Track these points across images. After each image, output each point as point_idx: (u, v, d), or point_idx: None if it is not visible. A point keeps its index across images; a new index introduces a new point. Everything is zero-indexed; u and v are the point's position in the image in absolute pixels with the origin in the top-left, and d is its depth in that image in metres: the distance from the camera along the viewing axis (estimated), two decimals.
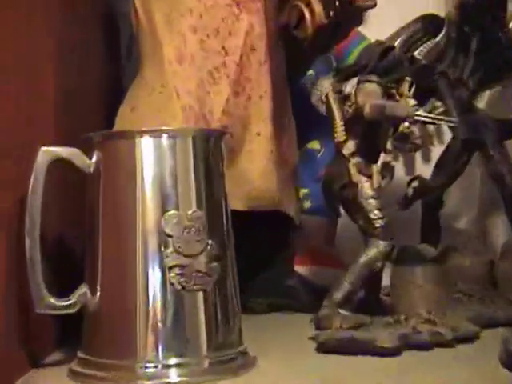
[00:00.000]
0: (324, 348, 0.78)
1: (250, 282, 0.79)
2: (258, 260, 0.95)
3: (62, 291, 0.73)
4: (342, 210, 0.93)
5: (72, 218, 0.86)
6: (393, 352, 0.76)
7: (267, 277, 1.01)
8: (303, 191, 1.11)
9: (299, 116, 1.04)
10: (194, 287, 0.70)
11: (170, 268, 0.69)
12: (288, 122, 1.00)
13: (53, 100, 0.83)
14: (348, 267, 0.88)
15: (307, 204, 1.14)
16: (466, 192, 1.12)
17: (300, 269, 1.05)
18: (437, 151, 1.15)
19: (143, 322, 0.69)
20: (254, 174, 0.92)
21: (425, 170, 1.07)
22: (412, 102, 0.87)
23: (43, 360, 0.77)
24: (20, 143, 0.72)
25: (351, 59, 1.15)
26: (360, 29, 1.11)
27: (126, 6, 1.01)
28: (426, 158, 1.20)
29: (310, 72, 1.13)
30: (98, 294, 0.71)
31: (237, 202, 0.82)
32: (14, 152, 0.71)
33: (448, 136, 1.05)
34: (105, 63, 1.08)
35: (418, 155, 1.25)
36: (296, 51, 1.00)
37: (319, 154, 1.17)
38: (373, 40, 1.07)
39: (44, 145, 0.71)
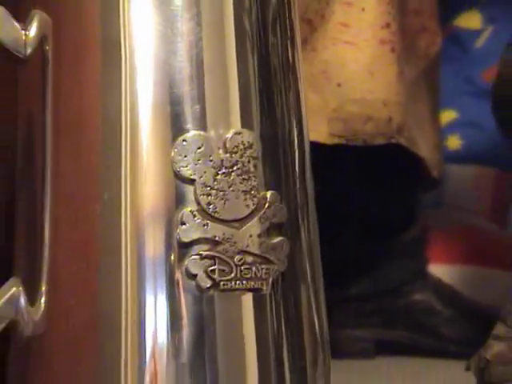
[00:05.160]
0: None
1: (340, 297, 0.78)
2: (353, 251, 0.96)
3: None
4: None
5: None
6: None
7: (373, 287, 1.02)
8: (447, 114, 1.12)
9: None
10: (238, 284, 0.69)
11: (189, 246, 0.69)
12: None
13: None
14: None
15: (454, 141, 1.16)
16: None
17: (439, 270, 1.06)
18: None
19: (134, 357, 0.69)
20: (352, 70, 0.93)
21: None
22: None
23: None
24: None
25: None
26: None
27: None
28: None
29: None
30: (43, 300, 0.71)
31: (317, 127, 0.81)
32: None
33: None
34: None
35: None
36: None
37: (480, 41, 1.18)
38: None
39: None
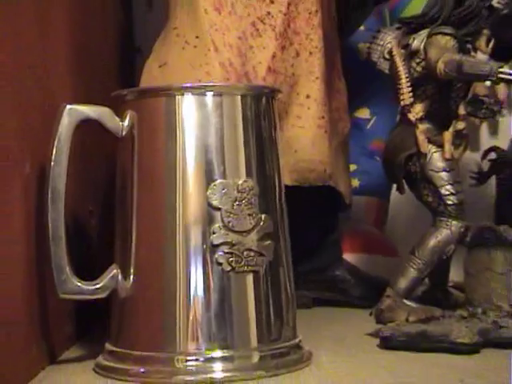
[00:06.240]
0: (389, 344, 0.79)
1: (294, 272, 0.79)
2: (301, 246, 0.93)
3: (85, 275, 0.75)
4: (406, 186, 0.94)
5: (95, 190, 0.88)
6: (471, 349, 0.77)
7: (312, 266, 1.03)
8: (351, 167, 1.12)
9: (345, 78, 1.05)
10: (245, 268, 0.71)
11: (217, 246, 0.71)
12: (338, 82, 1.01)
13: (65, 55, 0.85)
14: (411, 254, 0.90)
15: (355, 182, 1.16)
16: None
17: (348, 257, 1.07)
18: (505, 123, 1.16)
19: (184, 309, 0.70)
20: (303, 142, 0.94)
21: (490, 145, 1.09)
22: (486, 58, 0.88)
23: (60, 356, 0.79)
24: (34, 103, 0.74)
25: (409, 11, 1.15)
26: None
27: None
28: (493, 131, 1.20)
29: (361, 27, 1.14)
30: (132, 276, 0.73)
31: (284, 176, 0.81)
32: (26, 110, 0.72)
33: None
34: (116, 16, 1.12)
35: (484, 127, 1.25)
36: (348, 1, 1.02)
37: (369, 124, 1.19)
38: None
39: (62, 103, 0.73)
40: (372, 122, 1.18)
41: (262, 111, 0.75)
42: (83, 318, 0.84)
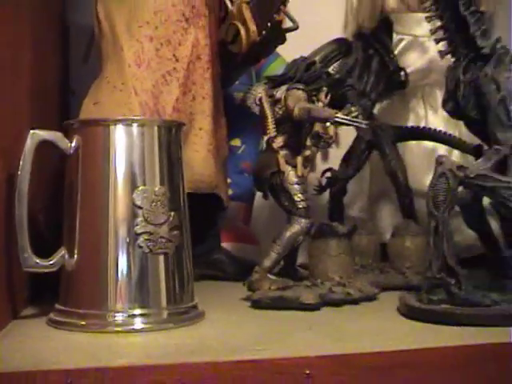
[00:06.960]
0: (258, 305, 0.82)
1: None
2: (193, 236, 0.93)
3: (41, 254, 0.75)
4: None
5: (46, 194, 0.88)
6: (314, 307, 0.81)
7: (199, 251, 1.02)
8: (228, 180, 1.14)
9: (225, 117, 1.07)
10: (159, 250, 0.72)
11: (139, 234, 0.71)
12: (221, 120, 1.04)
13: (27, 92, 0.85)
14: (273, 242, 0.92)
15: (230, 192, 1.17)
16: (357, 185, 1.17)
17: (225, 245, 1.08)
18: (333, 152, 1.20)
19: (113, 279, 0.70)
20: (197, 162, 0.95)
21: (323, 168, 1.13)
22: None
23: (20, 313, 0.79)
24: (6, 130, 0.74)
25: (269, 72, 1.19)
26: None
27: (82, 19, 1.05)
28: (325, 158, 1.25)
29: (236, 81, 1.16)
30: (75, 256, 0.72)
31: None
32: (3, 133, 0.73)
33: (343, 140, 1.13)
34: (58, 69, 1.11)
35: (318, 155, 1.29)
36: (230, 63, 1.04)
37: (239, 150, 1.20)
38: (284, 57, 1.15)
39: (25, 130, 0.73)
40: (242, 149, 1.19)
41: (172, 138, 0.75)
42: (35, 286, 0.84)
